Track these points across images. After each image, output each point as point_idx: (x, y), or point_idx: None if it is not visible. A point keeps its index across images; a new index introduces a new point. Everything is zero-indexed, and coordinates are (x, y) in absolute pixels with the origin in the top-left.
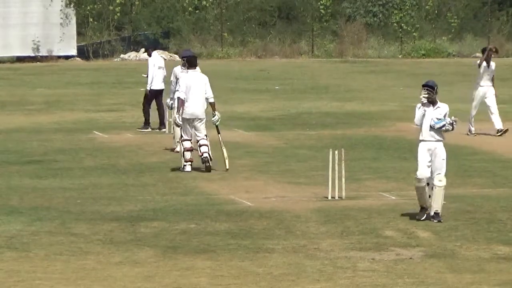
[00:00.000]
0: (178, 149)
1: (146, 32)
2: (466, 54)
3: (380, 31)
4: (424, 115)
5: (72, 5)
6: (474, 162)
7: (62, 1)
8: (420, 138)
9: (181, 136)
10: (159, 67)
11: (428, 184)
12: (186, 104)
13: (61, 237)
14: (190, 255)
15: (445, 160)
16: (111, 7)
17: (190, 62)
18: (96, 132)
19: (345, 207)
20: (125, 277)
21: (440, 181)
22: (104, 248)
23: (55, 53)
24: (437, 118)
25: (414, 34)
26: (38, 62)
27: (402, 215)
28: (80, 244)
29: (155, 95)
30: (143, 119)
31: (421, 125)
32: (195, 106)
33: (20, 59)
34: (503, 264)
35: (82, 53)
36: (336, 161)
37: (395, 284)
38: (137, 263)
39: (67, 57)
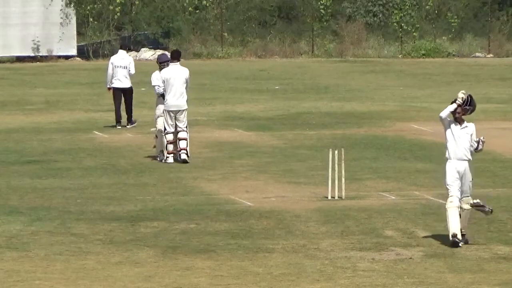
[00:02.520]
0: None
1: (146, 32)
2: (466, 54)
3: (380, 31)
4: (450, 127)
5: (72, 5)
6: (474, 162)
7: (62, 1)
8: (449, 157)
9: (165, 129)
10: (117, 66)
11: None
12: (166, 97)
13: (61, 237)
14: (190, 255)
15: (472, 182)
16: (111, 7)
17: (172, 56)
18: (96, 132)
19: (345, 207)
20: (125, 277)
21: (467, 203)
22: (104, 248)
23: (55, 53)
24: (475, 142)
25: (414, 34)
26: (38, 62)
27: (402, 215)
28: (80, 244)
29: (120, 93)
30: (130, 117)
31: (447, 143)
32: (174, 98)
33: (20, 59)
34: (503, 264)
35: (82, 53)
36: (336, 161)
37: (395, 284)
38: (137, 263)
39: (67, 57)
